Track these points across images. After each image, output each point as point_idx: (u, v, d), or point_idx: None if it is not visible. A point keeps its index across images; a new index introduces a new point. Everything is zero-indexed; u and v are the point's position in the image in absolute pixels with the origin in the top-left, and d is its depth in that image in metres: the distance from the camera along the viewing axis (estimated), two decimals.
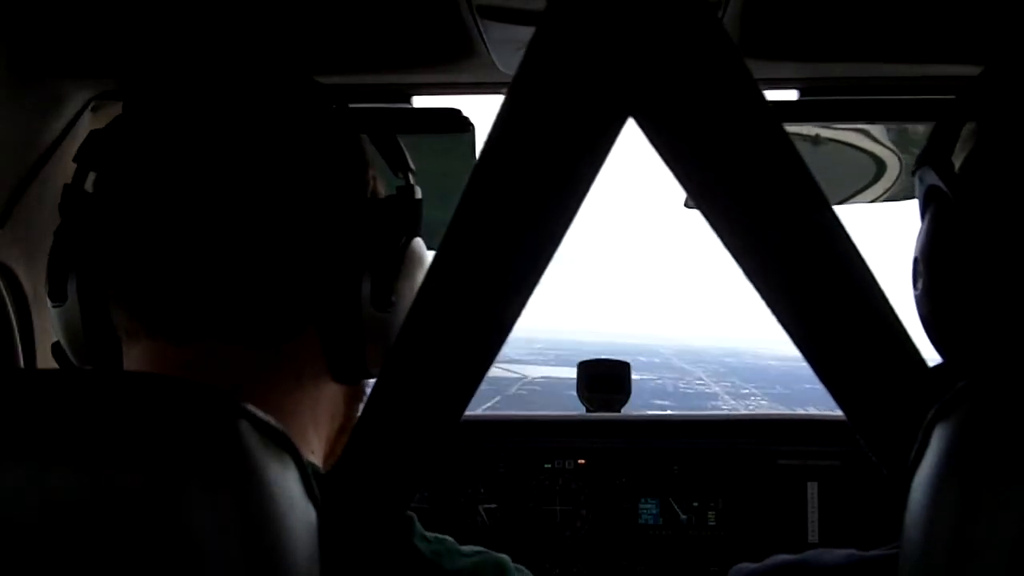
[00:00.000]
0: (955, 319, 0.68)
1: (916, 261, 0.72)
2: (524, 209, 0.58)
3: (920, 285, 0.71)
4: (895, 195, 1.32)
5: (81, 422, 0.48)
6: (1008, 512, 0.45)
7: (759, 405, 29.28)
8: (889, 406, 0.58)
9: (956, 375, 0.66)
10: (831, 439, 1.66)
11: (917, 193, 0.73)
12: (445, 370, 0.60)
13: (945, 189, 0.67)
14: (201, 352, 0.66)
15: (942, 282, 0.68)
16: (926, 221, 0.71)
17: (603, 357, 1.94)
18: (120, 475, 0.46)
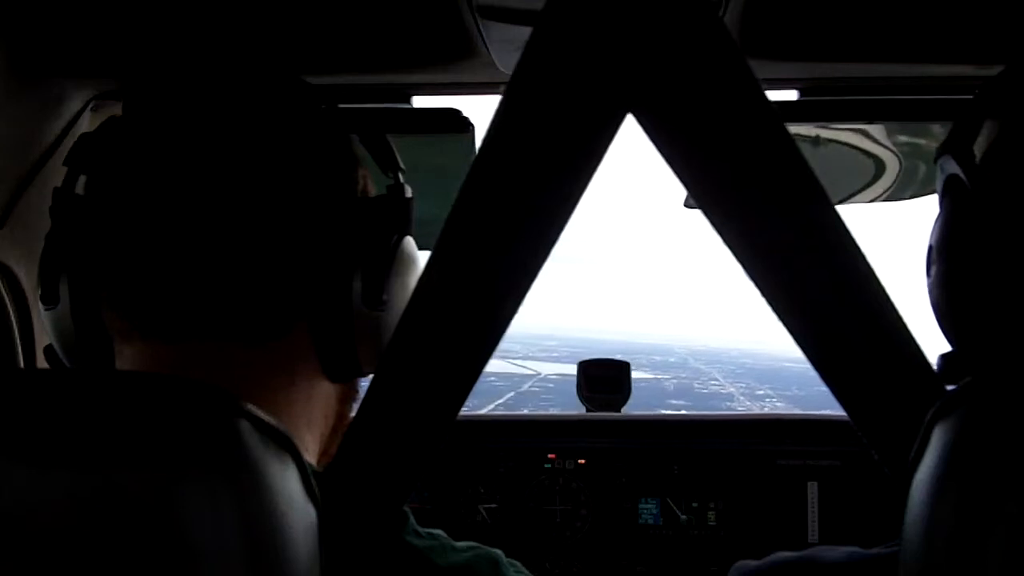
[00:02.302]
0: (966, 308, 0.68)
1: (931, 248, 0.72)
2: (521, 206, 0.58)
3: (933, 272, 0.71)
4: (895, 195, 1.32)
5: (82, 421, 0.48)
6: (1007, 511, 0.45)
7: (774, 407, 29.30)
8: (891, 404, 0.58)
9: (964, 363, 0.66)
10: (831, 439, 1.65)
11: (937, 181, 0.73)
12: (441, 368, 0.60)
13: (964, 179, 0.67)
14: (193, 351, 0.66)
15: (955, 271, 0.68)
16: (943, 209, 0.71)
17: (606, 357, 1.95)
18: (120, 474, 0.46)
